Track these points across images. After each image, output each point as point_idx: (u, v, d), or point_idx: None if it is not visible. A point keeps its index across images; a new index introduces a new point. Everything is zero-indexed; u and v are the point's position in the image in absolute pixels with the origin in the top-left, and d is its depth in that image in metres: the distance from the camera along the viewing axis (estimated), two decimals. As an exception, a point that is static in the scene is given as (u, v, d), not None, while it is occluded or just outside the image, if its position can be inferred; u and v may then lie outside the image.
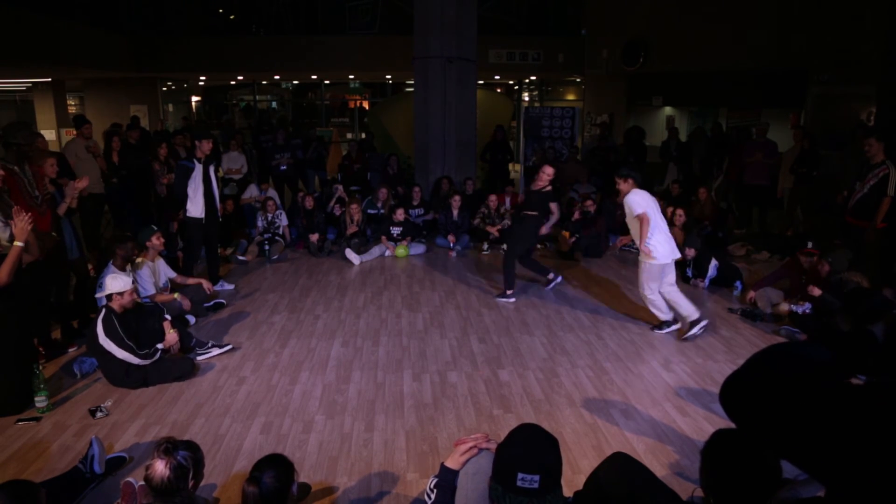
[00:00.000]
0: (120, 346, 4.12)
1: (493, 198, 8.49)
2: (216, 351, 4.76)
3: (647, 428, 3.73)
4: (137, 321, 4.39)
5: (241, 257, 7.49)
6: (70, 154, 7.31)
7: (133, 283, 4.48)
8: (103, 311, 4.16)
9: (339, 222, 8.38)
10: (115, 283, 4.26)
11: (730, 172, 9.34)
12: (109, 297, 4.23)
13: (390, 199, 8.76)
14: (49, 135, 14.10)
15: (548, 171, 6.00)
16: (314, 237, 7.87)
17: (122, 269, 5.01)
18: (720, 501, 1.87)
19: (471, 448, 2.07)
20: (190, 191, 5.97)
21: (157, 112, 15.66)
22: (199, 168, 5.95)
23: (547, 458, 1.76)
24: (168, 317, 4.70)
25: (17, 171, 4.50)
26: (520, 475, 1.70)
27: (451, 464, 2.08)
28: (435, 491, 2.08)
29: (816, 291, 4.92)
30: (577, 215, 8.06)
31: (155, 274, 5.41)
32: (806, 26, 9.28)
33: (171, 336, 4.47)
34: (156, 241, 5.40)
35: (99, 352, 4.14)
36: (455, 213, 8.44)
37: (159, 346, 4.38)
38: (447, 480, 2.06)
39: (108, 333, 4.09)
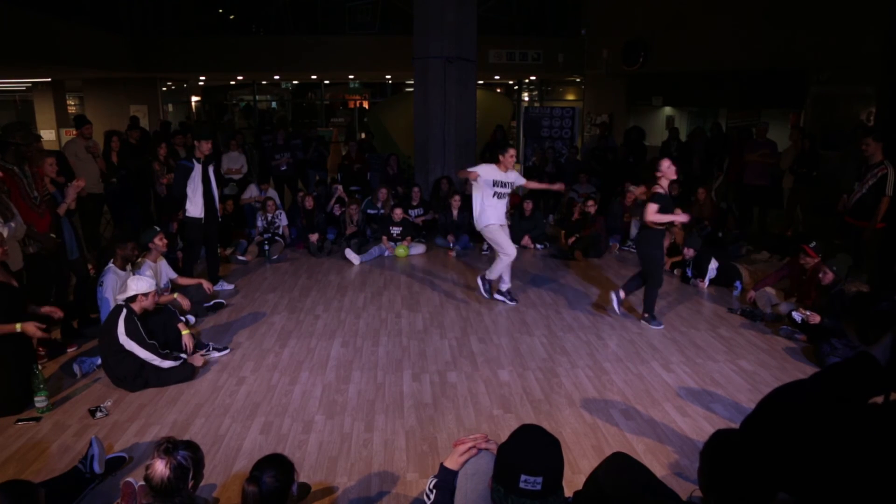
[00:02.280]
0: (142, 347, 4.13)
1: None
2: (215, 354, 4.76)
3: (647, 428, 3.73)
4: (151, 321, 4.43)
5: (241, 257, 7.49)
6: (70, 154, 7.31)
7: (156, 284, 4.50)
8: (124, 311, 4.14)
9: (338, 222, 8.38)
10: (141, 283, 4.28)
11: (730, 172, 9.34)
12: (133, 298, 4.22)
13: (390, 200, 8.76)
14: (49, 135, 14.11)
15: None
16: (314, 237, 7.88)
17: (122, 269, 5.02)
18: (719, 503, 1.86)
19: (470, 448, 2.07)
20: (189, 191, 5.97)
21: (157, 112, 15.66)
22: (198, 168, 5.95)
23: (550, 460, 1.75)
24: (183, 318, 4.76)
25: (16, 172, 4.50)
26: (522, 477, 1.69)
27: (451, 464, 2.08)
28: (434, 491, 2.08)
29: (816, 319, 4.87)
30: (576, 215, 8.06)
31: (157, 275, 5.40)
32: (806, 26, 9.26)
33: (189, 343, 4.54)
34: (158, 242, 5.40)
35: (114, 350, 4.11)
36: (455, 213, 8.44)
37: (183, 355, 4.43)
38: (446, 481, 2.06)
39: (129, 334, 4.09)
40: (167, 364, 4.26)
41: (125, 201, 8.12)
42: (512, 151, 5.83)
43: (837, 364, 1.64)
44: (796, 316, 5.07)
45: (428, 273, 7.12)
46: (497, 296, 6.07)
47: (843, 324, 4.56)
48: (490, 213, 5.73)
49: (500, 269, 5.89)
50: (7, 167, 4.46)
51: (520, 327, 5.40)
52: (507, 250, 5.79)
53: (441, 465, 2.11)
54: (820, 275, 5.10)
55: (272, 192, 8.75)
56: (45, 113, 14.83)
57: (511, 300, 6.00)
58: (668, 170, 5.09)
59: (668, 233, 7.04)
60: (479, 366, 4.61)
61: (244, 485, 2.31)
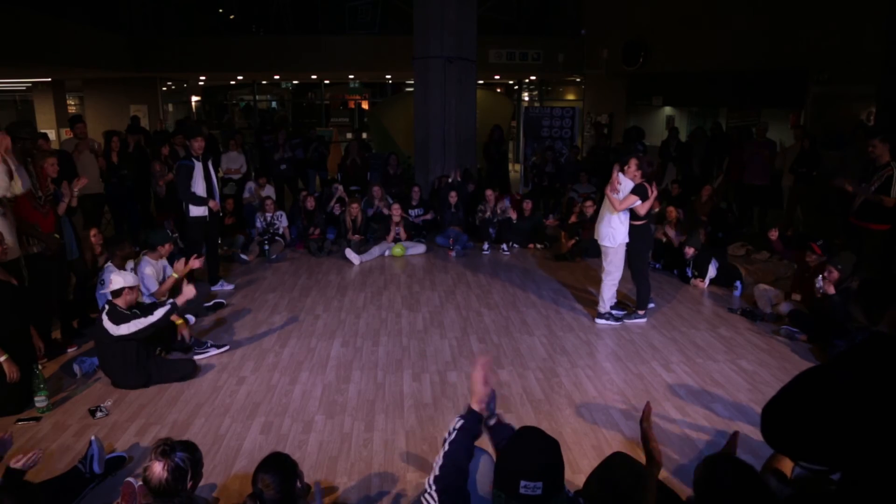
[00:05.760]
0: (130, 321, 4.08)
1: (489, 192, 8.52)
2: (214, 351, 4.76)
3: (647, 428, 3.72)
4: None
5: (243, 256, 7.49)
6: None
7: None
8: (106, 307, 4.15)
9: (338, 222, 8.38)
10: (128, 277, 4.29)
11: (730, 172, 9.34)
12: (119, 292, 4.21)
13: (385, 198, 8.76)
14: (49, 135, 14.10)
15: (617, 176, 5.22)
16: (315, 231, 7.93)
17: (122, 269, 5.03)
18: None
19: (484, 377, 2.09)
20: (193, 190, 6.00)
21: (157, 112, 15.65)
22: (198, 166, 5.97)
23: (549, 464, 1.75)
24: (186, 317, 4.84)
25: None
26: (522, 483, 1.69)
27: (476, 405, 2.11)
28: (438, 487, 2.03)
29: (832, 289, 4.89)
30: (573, 218, 8.06)
31: (158, 271, 5.43)
32: (806, 26, 9.27)
33: (186, 333, 4.60)
34: (164, 249, 5.45)
35: (110, 343, 4.10)
36: (452, 202, 8.48)
37: (158, 309, 4.29)
38: (474, 427, 2.07)
39: (115, 320, 4.06)
40: (159, 313, 4.16)
41: (125, 201, 8.13)
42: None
43: (853, 347, 1.66)
44: (819, 282, 5.02)
45: (428, 273, 7.12)
46: (616, 312, 5.58)
47: (850, 308, 4.58)
48: (626, 232, 5.29)
49: (611, 294, 5.48)
50: None
51: (520, 327, 5.40)
52: (620, 274, 5.43)
53: (468, 407, 2.14)
54: (825, 273, 5.09)
55: (269, 190, 8.74)
56: (45, 113, 14.83)
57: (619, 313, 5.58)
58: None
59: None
60: (479, 366, 4.60)
61: (247, 501, 2.33)
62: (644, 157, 5.27)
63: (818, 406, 1.53)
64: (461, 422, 2.06)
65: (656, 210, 7.65)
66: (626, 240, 5.28)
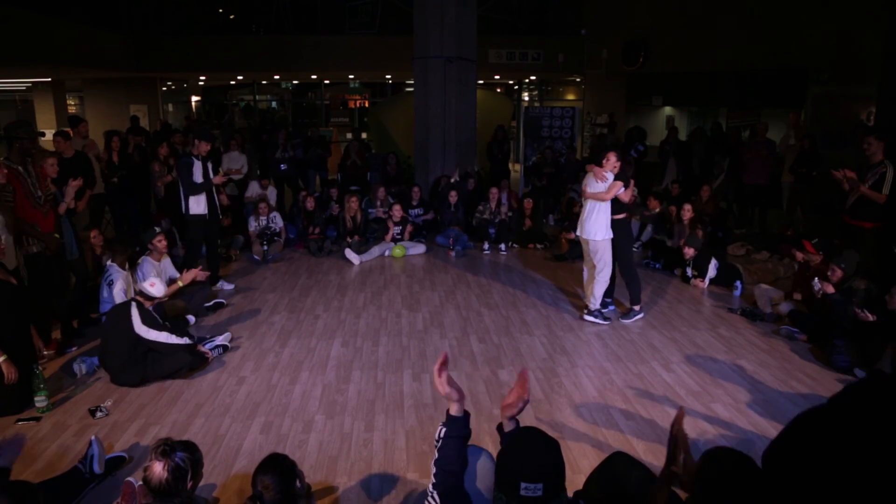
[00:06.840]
0: (160, 330, 4.23)
1: (494, 190, 8.51)
2: (219, 339, 4.82)
3: (647, 428, 3.73)
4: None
5: (256, 257, 7.48)
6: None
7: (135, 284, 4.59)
8: (133, 304, 4.23)
9: (338, 221, 8.38)
10: (162, 288, 4.53)
11: (734, 172, 9.34)
12: (151, 297, 4.41)
13: (388, 199, 8.76)
14: (49, 135, 14.12)
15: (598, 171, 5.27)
16: (315, 231, 7.92)
17: (123, 268, 5.05)
18: None
19: (446, 379, 2.02)
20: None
21: (157, 112, 15.67)
22: (198, 164, 5.97)
23: (549, 465, 1.74)
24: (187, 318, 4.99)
25: (21, 172, 4.50)
26: (523, 485, 1.69)
27: (455, 410, 2.05)
28: (438, 491, 2.04)
29: (831, 289, 4.90)
30: (562, 238, 8.05)
31: (160, 273, 5.44)
32: (806, 26, 9.28)
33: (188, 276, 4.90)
34: (158, 244, 5.51)
35: (118, 340, 4.16)
36: (452, 202, 8.47)
37: (186, 339, 4.44)
38: (461, 431, 2.04)
39: (146, 323, 4.18)
40: (182, 340, 4.32)
41: (125, 201, 8.13)
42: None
43: (854, 385, 1.65)
44: (816, 284, 5.04)
45: (428, 273, 7.12)
46: (607, 311, 5.63)
47: (848, 310, 4.59)
48: (608, 225, 5.33)
49: (602, 291, 5.48)
50: (12, 167, 4.46)
51: (520, 327, 5.40)
52: (610, 270, 5.43)
53: (447, 413, 2.08)
54: (828, 272, 5.09)
55: (271, 193, 8.73)
56: (45, 113, 14.85)
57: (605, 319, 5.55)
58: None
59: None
60: (479, 366, 4.61)
61: (247, 503, 2.33)
62: (620, 152, 5.40)
63: (819, 449, 1.51)
64: (444, 429, 2.07)
65: (657, 210, 7.66)
66: (611, 234, 5.33)
